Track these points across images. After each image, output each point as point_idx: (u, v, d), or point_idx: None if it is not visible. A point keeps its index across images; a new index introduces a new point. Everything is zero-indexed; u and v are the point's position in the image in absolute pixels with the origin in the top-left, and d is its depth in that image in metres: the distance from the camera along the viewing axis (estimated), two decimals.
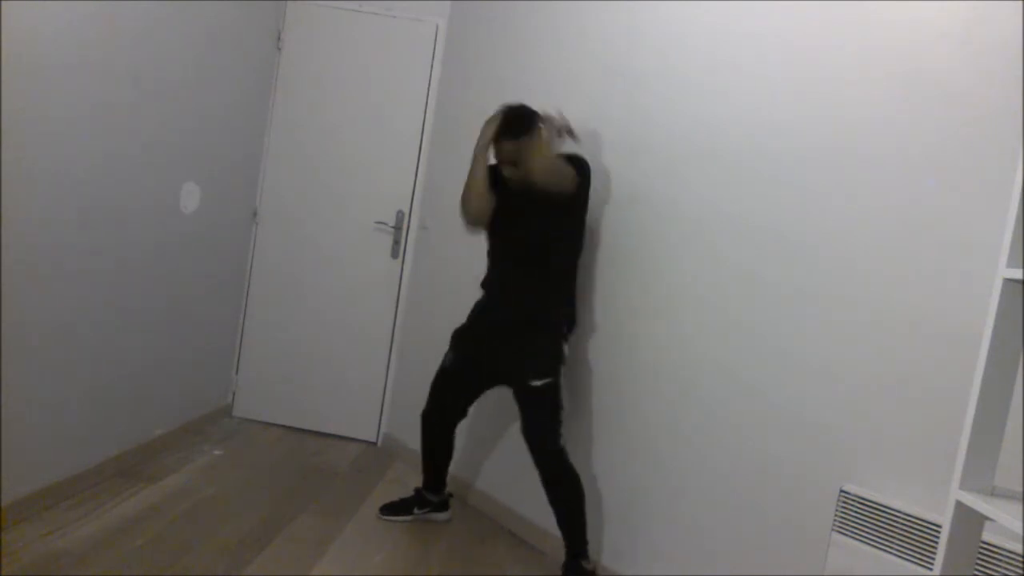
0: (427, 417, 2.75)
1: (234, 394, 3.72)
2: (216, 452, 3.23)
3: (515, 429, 2.43)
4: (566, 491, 2.44)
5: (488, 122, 2.44)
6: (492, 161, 2.48)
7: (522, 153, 2.36)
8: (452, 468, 2.92)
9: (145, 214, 2.77)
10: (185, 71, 2.88)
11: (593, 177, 2.49)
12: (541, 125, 2.41)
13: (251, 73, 3.43)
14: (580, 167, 2.43)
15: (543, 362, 2.45)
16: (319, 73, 3.60)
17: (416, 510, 2.87)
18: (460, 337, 2.66)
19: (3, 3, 1.98)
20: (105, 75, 2.43)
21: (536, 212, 2.42)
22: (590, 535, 2.46)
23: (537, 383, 2.43)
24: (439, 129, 3.53)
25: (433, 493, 2.88)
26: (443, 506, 2.92)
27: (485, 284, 2.63)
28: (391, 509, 2.87)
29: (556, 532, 2.49)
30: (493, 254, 2.62)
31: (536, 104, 2.48)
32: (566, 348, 2.51)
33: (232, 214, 3.47)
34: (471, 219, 2.51)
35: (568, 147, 2.53)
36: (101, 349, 2.63)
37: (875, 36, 1.95)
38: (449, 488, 2.95)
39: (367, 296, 3.66)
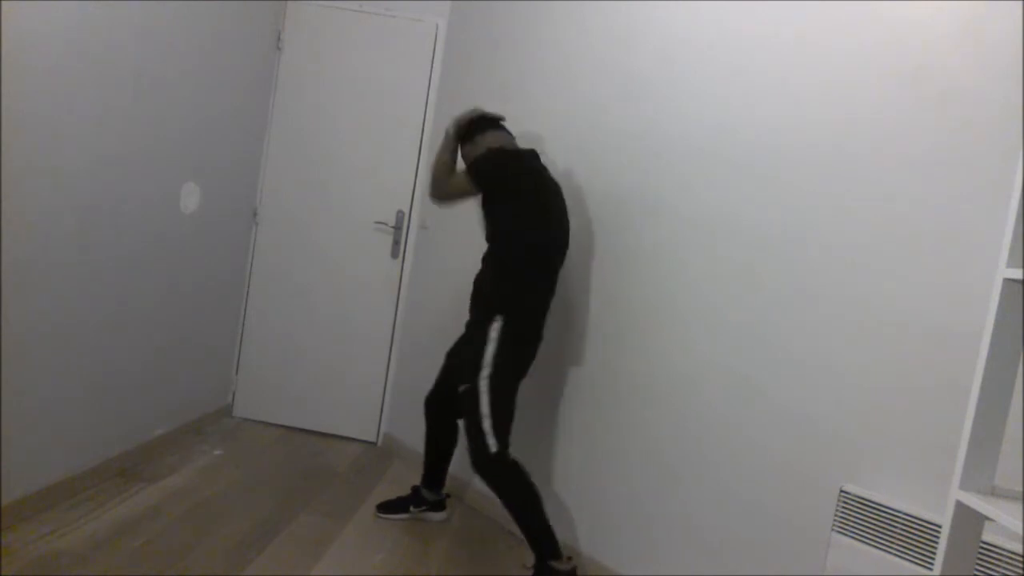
0: (428, 402, 2.78)
1: (234, 394, 3.72)
2: (216, 452, 3.23)
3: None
4: (510, 497, 2.35)
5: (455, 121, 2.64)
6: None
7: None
8: (452, 468, 2.92)
9: (145, 214, 2.76)
10: (185, 71, 2.88)
11: (556, 167, 2.47)
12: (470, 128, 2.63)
13: (251, 73, 3.43)
14: (473, 164, 2.50)
15: (465, 366, 2.45)
16: (319, 73, 3.61)
17: (412, 508, 2.87)
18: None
19: (3, 3, 1.98)
20: (105, 75, 2.43)
21: (483, 211, 2.55)
22: (590, 535, 2.45)
23: (460, 388, 2.46)
24: (439, 129, 3.52)
25: (430, 491, 2.88)
26: (439, 506, 2.92)
27: None
28: (387, 507, 2.87)
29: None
30: None
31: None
32: (490, 354, 2.38)
33: (232, 214, 3.47)
34: (433, 197, 2.63)
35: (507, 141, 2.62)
36: (101, 349, 2.63)
37: (875, 36, 1.95)
38: (448, 488, 2.95)
39: (367, 296, 3.66)
